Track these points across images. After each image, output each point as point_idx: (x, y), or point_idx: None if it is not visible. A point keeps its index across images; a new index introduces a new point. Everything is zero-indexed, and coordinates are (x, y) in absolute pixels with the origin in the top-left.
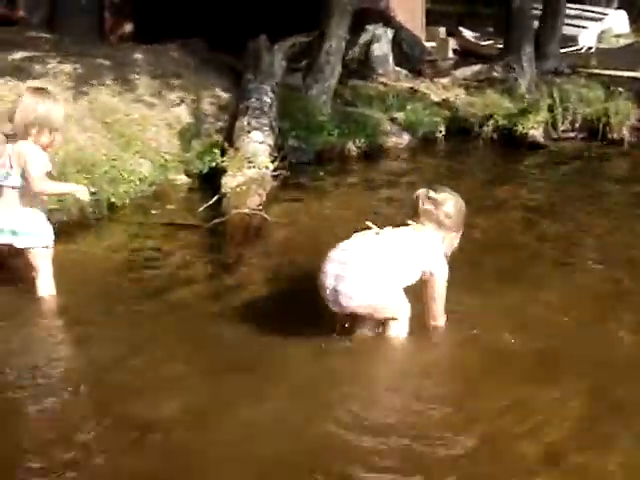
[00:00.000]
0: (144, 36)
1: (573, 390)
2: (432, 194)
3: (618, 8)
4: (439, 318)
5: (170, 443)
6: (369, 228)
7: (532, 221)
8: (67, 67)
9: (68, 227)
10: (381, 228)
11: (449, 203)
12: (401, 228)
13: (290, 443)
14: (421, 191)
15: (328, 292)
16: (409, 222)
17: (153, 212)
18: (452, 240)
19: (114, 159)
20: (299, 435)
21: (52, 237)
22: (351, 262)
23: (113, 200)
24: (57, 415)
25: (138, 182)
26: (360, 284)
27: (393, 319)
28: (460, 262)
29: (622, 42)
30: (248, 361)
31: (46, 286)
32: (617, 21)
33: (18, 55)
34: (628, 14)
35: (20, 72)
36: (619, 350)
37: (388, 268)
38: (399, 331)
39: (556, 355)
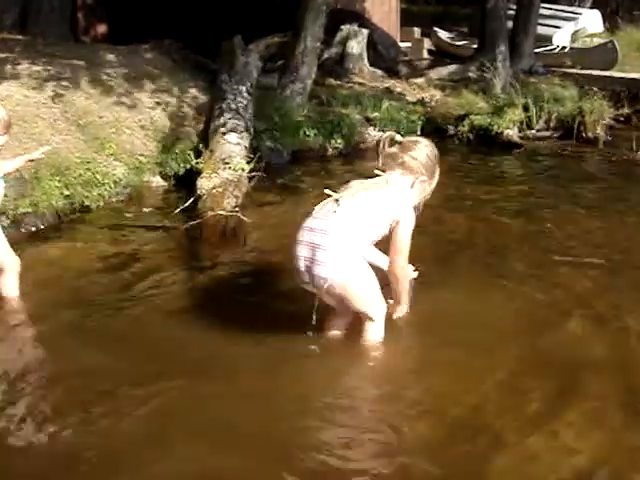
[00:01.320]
0: (117, 37)
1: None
2: (398, 137)
3: (592, 8)
4: (400, 270)
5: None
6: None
7: (507, 220)
8: (39, 69)
9: (42, 230)
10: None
11: (417, 146)
12: (366, 182)
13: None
14: (385, 134)
15: (304, 277)
16: (376, 172)
17: (128, 215)
18: (423, 187)
19: (88, 162)
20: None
21: None
22: (321, 243)
23: (87, 203)
24: None
25: (113, 185)
26: (332, 263)
27: (369, 319)
28: (434, 261)
29: (596, 41)
30: (216, 364)
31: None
32: (591, 20)
33: None
34: (602, 13)
35: None
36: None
37: (356, 239)
38: (375, 334)
39: (534, 354)
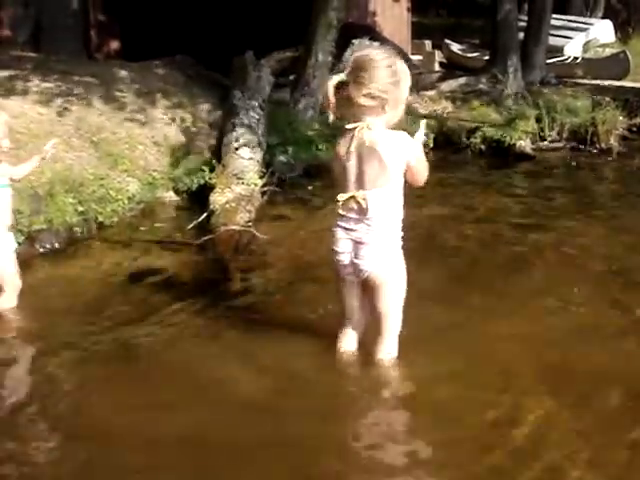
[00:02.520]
0: (130, 54)
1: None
2: (341, 76)
3: (603, 18)
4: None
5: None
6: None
7: (521, 231)
8: (52, 85)
9: (56, 247)
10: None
11: (371, 71)
12: (361, 156)
13: None
14: (329, 82)
15: (349, 269)
16: (348, 126)
17: (141, 230)
18: (398, 103)
19: (102, 178)
20: None
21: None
22: (363, 238)
23: (101, 219)
24: None
25: (126, 201)
26: (374, 257)
27: (385, 332)
28: (446, 274)
29: (608, 51)
30: (229, 381)
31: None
32: (602, 31)
33: (2, 74)
34: (613, 23)
35: (4, 91)
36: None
37: (393, 226)
38: (390, 350)
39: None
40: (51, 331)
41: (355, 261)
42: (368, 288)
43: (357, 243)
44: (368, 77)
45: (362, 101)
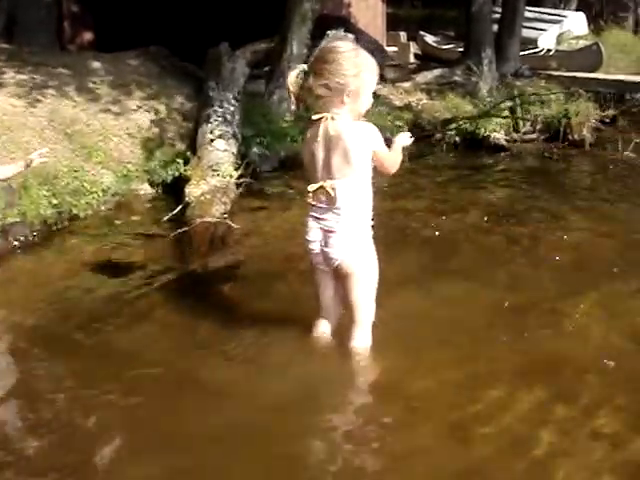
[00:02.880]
0: (104, 45)
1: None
2: (303, 67)
3: (576, 10)
4: (396, 166)
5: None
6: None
7: (495, 222)
8: (26, 77)
9: (30, 240)
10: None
11: (333, 64)
12: (328, 146)
13: None
14: (290, 75)
15: (319, 258)
16: (313, 117)
17: (116, 223)
18: (362, 94)
19: (76, 170)
20: None
21: None
22: (332, 227)
23: (76, 212)
24: None
25: (101, 193)
26: (343, 246)
27: (357, 322)
28: (420, 266)
29: (581, 43)
30: (203, 375)
31: None
32: (576, 23)
33: None
34: (586, 16)
35: None
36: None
37: (362, 214)
38: (363, 340)
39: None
40: (19, 324)
41: (325, 250)
42: (339, 277)
43: (327, 232)
44: (327, 68)
45: (320, 92)
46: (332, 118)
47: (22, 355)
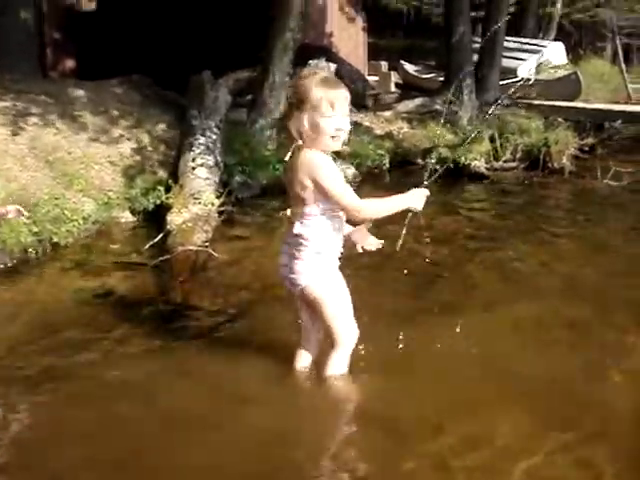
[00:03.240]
0: (86, 72)
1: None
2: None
3: (555, 40)
4: (363, 214)
5: None
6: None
7: (475, 251)
8: (7, 105)
9: (10, 267)
10: None
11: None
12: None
13: None
14: None
15: (286, 283)
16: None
17: (97, 251)
18: (322, 133)
19: (57, 198)
20: None
21: None
22: (295, 253)
23: (56, 240)
24: None
25: (82, 221)
26: (304, 272)
27: (335, 345)
28: (402, 294)
29: (560, 73)
30: (185, 407)
31: None
32: (555, 52)
33: None
34: (565, 45)
35: None
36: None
37: (324, 242)
38: (338, 367)
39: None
40: None
41: (289, 276)
42: (307, 303)
43: (291, 257)
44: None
45: (287, 122)
46: (298, 148)
47: None
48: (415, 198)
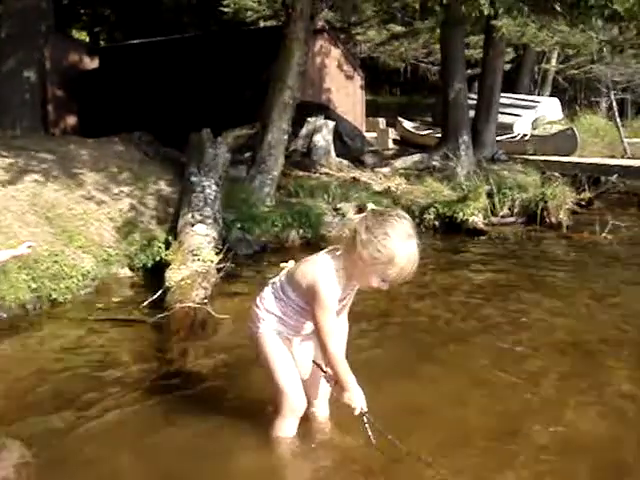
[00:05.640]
0: (87, 129)
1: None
2: (371, 206)
3: (550, 95)
4: (327, 353)
5: None
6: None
7: (474, 307)
8: (9, 161)
9: (8, 324)
10: None
11: (380, 231)
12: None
13: None
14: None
15: None
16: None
17: (96, 307)
18: (363, 274)
19: (56, 254)
20: None
21: None
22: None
23: (55, 296)
24: None
25: (81, 277)
26: (251, 322)
27: (278, 406)
28: (400, 349)
29: (556, 128)
30: (182, 468)
31: None
32: (550, 108)
33: None
34: (560, 101)
35: None
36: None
37: (279, 307)
38: (279, 429)
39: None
40: None
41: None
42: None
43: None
44: (365, 226)
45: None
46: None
47: None
48: (359, 396)
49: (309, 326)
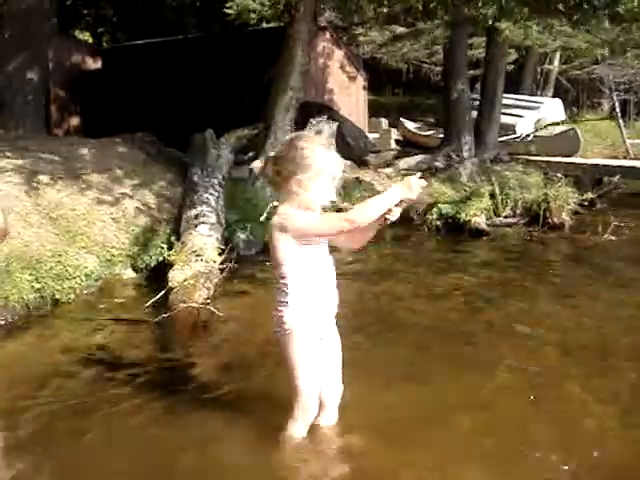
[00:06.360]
0: (90, 130)
1: None
2: (270, 153)
3: (553, 96)
4: (362, 217)
5: None
6: None
7: (476, 308)
8: (12, 162)
9: (12, 324)
10: None
11: (282, 152)
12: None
13: None
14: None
15: None
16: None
17: (99, 308)
18: (315, 193)
19: (59, 255)
20: None
21: None
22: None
23: (58, 296)
24: None
25: (84, 277)
26: (274, 320)
27: (292, 407)
28: (403, 351)
29: (558, 129)
30: (185, 468)
31: None
32: (553, 109)
33: None
34: (563, 102)
35: None
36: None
37: (300, 295)
38: (292, 430)
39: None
40: None
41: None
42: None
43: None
44: (282, 156)
45: (272, 177)
46: (274, 207)
47: None
48: (407, 188)
49: (324, 246)
